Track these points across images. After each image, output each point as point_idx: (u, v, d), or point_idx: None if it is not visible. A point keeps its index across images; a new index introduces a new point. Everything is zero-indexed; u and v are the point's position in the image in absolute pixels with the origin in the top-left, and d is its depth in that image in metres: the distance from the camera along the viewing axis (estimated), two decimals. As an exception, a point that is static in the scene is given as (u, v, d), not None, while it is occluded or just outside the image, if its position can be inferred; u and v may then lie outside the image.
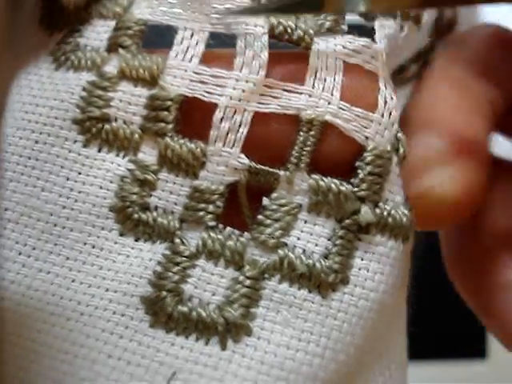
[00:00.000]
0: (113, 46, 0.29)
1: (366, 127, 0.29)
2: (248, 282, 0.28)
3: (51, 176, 0.29)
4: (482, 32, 0.35)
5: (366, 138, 0.29)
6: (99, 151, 0.29)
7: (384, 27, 0.31)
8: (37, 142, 0.29)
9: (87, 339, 0.29)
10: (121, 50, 0.29)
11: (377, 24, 0.31)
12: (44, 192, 0.29)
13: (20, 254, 0.29)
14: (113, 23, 0.30)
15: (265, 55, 0.29)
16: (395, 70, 0.40)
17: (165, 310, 0.28)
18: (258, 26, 0.29)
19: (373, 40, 0.30)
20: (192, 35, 0.29)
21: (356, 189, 0.29)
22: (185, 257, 0.28)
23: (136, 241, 0.29)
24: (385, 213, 0.29)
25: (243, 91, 0.28)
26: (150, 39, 0.30)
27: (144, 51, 0.29)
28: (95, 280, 0.29)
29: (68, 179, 0.29)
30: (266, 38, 0.29)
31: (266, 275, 0.28)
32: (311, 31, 0.29)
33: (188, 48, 0.29)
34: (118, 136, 0.29)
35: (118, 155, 0.29)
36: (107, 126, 0.29)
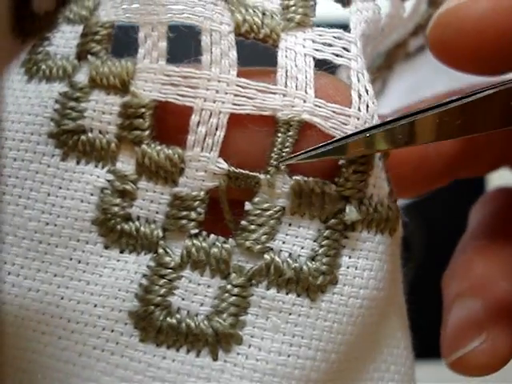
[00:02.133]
0: (82, 54, 0.29)
1: (344, 123, 0.28)
2: (235, 290, 0.28)
3: (32, 193, 0.28)
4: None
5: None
6: (78, 163, 0.28)
7: (361, 11, 0.30)
8: (15, 159, 0.28)
9: (79, 357, 0.28)
10: (90, 57, 0.28)
11: (352, 8, 0.30)
12: (26, 210, 0.28)
13: (9, 273, 0.28)
14: (80, 28, 0.29)
15: (233, 54, 0.28)
16: (396, 45, 0.39)
17: (153, 323, 0.28)
18: (223, 24, 0.28)
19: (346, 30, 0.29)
20: (152, 30, 0.28)
21: (340, 188, 0.28)
22: (170, 268, 0.28)
23: (121, 253, 0.28)
24: (370, 209, 0.29)
25: (217, 92, 0.27)
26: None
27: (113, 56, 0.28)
28: (83, 296, 0.28)
29: (49, 195, 0.28)
30: (232, 36, 0.28)
31: (254, 282, 0.28)
32: (278, 28, 0.28)
33: (153, 46, 0.28)
34: (95, 147, 0.28)
35: (96, 166, 0.28)
36: (83, 138, 0.28)
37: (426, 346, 0.34)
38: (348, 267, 0.28)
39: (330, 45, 0.29)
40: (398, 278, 0.31)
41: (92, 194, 0.28)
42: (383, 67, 0.41)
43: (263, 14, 0.28)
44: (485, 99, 0.28)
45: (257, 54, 0.28)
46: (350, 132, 0.28)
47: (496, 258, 0.36)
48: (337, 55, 0.29)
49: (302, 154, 0.27)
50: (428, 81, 0.49)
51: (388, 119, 0.28)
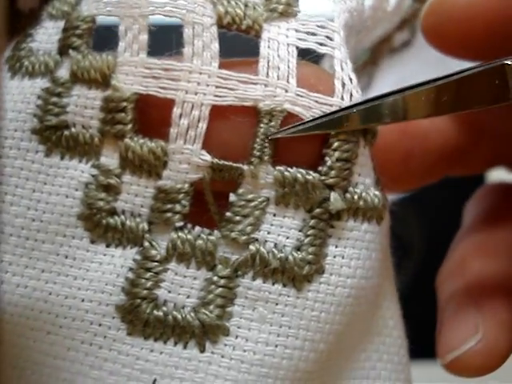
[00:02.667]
0: (64, 48, 0.28)
1: None
2: (222, 282, 0.28)
3: (18, 190, 0.28)
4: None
5: None
6: (62, 159, 0.28)
7: (344, 0, 0.30)
8: (0, 156, 0.28)
9: (68, 352, 0.28)
10: (71, 52, 0.28)
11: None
12: (12, 206, 0.28)
13: None
14: (62, 23, 0.29)
15: (215, 46, 0.28)
16: (381, 40, 0.39)
17: (140, 316, 0.28)
18: (205, 16, 0.28)
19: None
20: (133, 23, 0.28)
21: (324, 177, 0.28)
22: (156, 261, 0.28)
23: (107, 247, 0.28)
24: (355, 197, 0.28)
25: (198, 84, 0.27)
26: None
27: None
28: (71, 291, 0.28)
29: (34, 191, 0.28)
30: (214, 28, 0.28)
31: (239, 273, 0.28)
32: (261, 18, 0.28)
33: (133, 39, 0.28)
34: (79, 142, 0.28)
35: (80, 161, 0.28)
36: (66, 133, 0.28)
37: (426, 345, 0.34)
38: (335, 256, 0.28)
39: (314, 34, 0.29)
40: (387, 266, 0.31)
41: (77, 189, 0.28)
42: (368, 63, 0.41)
43: (245, 5, 0.28)
44: (473, 76, 0.28)
45: (240, 45, 0.28)
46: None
47: (491, 254, 0.36)
48: (320, 44, 0.29)
49: (291, 127, 0.27)
50: (414, 76, 0.49)
51: (378, 95, 0.28)
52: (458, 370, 0.34)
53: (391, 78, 0.48)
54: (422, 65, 0.49)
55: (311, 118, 0.28)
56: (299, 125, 0.27)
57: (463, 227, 0.40)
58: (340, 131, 0.28)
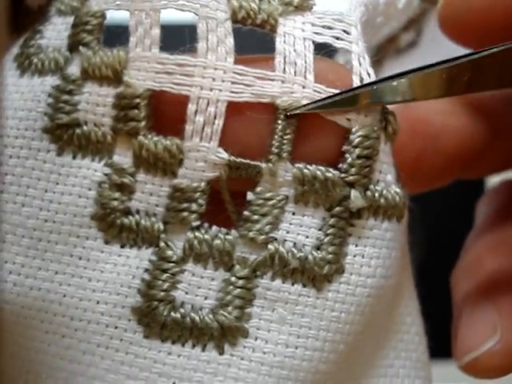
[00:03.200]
0: (73, 45, 0.28)
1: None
2: (240, 283, 0.27)
3: (29, 190, 0.28)
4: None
5: (349, 119, 0.27)
6: (74, 158, 0.28)
7: None
8: (11, 156, 0.28)
9: (84, 356, 0.28)
10: (81, 48, 0.27)
11: None
12: (25, 207, 0.28)
13: (10, 272, 0.28)
14: (72, 19, 0.28)
15: (230, 41, 0.27)
16: (387, 40, 0.38)
17: (157, 319, 0.27)
18: (219, 11, 0.27)
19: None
20: (145, 17, 0.27)
21: (344, 174, 0.27)
22: (172, 262, 0.27)
23: (122, 247, 0.28)
24: (376, 194, 0.28)
25: (213, 80, 0.27)
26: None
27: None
28: (85, 293, 0.28)
29: (46, 191, 0.28)
30: (229, 23, 0.27)
31: (258, 273, 0.27)
32: (276, 13, 0.28)
33: (145, 34, 0.27)
34: (91, 140, 0.27)
35: (93, 160, 0.28)
36: (78, 131, 0.27)
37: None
38: (355, 256, 0.28)
39: (330, 28, 0.28)
40: (405, 264, 0.30)
41: (90, 189, 0.28)
42: (373, 62, 0.41)
43: None
44: (492, 57, 0.28)
45: (255, 42, 0.28)
46: (352, 117, 0.27)
47: (506, 252, 0.36)
48: (337, 38, 0.28)
49: (311, 104, 0.27)
50: None
51: (396, 73, 0.28)
52: (477, 371, 0.33)
53: None
54: None
55: (329, 95, 0.27)
56: (317, 101, 0.27)
57: (476, 226, 0.39)
58: (357, 109, 0.27)
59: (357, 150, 0.27)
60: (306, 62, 0.27)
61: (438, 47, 0.40)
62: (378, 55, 0.41)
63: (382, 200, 0.28)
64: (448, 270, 0.37)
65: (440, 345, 0.34)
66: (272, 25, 0.28)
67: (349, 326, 0.28)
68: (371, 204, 0.28)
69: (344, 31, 0.28)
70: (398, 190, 0.28)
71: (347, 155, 0.27)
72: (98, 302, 0.28)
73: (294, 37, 0.28)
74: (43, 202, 0.28)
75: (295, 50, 0.27)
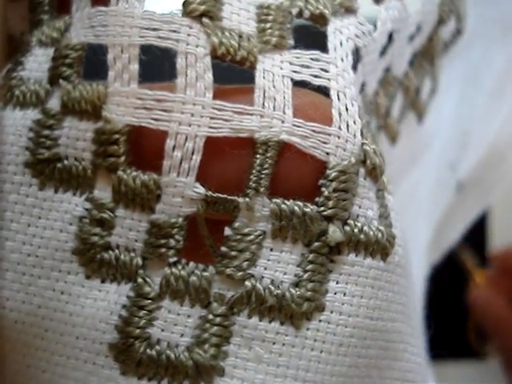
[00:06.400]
0: (54, 78, 0.28)
1: (325, 142, 0.27)
2: (217, 320, 0.27)
3: (13, 224, 0.28)
4: None
5: (327, 153, 0.27)
6: (56, 192, 0.28)
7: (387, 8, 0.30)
8: None
9: None
10: (61, 82, 0.28)
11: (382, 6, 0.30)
12: (8, 242, 0.28)
13: None
14: (52, 51, 0.28)
15: (209, 77, 0.27)
16: (427, 40, 0.38)
17: (133, 356, 0.27)
18: (199, 47, 0.27)
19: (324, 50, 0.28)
20: (122, 52, 0.27)
21: (321, 208, 0.27)
22: (149, 299, 0.27)
23: (102, 282, 0.28)
24: (355, 230, 0.27)
25: (192, 115, 0.26)
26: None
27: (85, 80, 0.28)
28: (66, 328, 0.28)
29: (29, 225, 0.28)
30: (208, 59, 0.27)
31: (235, 310, 0.27)
32: (255, 50, 0.27)
33: (123, 69, 0.27)
34: (72, 174, 0.27)
35: (74, 194, 0.28)
36: (59, 165, 0.27)
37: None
38: (335, 293, 0.27)
39: (308, 66, 0.28)
40: (407, 312, 0.29)
41: (71, 224, 0.28)
42: (424, 66, 0.40)
43: (240, 36, 0.28)
44: None
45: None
46: (330, 151, 0.27)
47: None
48: (315, 76, 0.28)
49: None
50: (485, 57, 0.47)
51: None
52: None
53: (458, 71, 0.47)
54: (489, 48, 0.47)
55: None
56: None
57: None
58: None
59: (333, 184, 0.27)
60: (284, 98, 0.27)
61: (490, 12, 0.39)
62: (425, 58, 0.40)
63: (362, 236, 0.27)
64: (449, 271, 0.36)
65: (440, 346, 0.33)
66: (251, 62, 0.27)
67: (330, 367, 0.27)
68: (350, 239, 0.27)
69: (322, 69, 0.28)
70: (380, 227, 0.28)
71: (323, 189, 0.27)
72: (77, 338, 0.27)
73: (273, 74, 0.27)
74: (26, 237, 0.28)
75: (274, 86, 0.27)
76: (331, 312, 0.27)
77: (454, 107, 0.49)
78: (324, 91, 0.28)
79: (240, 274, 0.27)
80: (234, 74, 0.28)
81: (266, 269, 0.27)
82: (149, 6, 0.27)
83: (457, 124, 0.50)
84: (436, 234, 0.52)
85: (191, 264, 0.27)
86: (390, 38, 0.33)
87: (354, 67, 0.29)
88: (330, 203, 0.27)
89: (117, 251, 0.27)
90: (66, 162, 0.27)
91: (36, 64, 0.29)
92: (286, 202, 0.27)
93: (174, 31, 0.27)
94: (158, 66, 0.27)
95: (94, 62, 0.28)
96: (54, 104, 0.28)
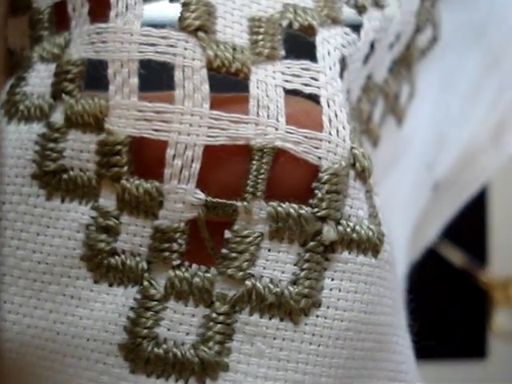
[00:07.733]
0: (57, 92, 0.29)
1: (316, 147, 0.28)
2: (220, 318, 0.28)
3: (23, 234, 0.29)
4: None
5: (319, 157, 0.28)
6: (62, 202, 0.29)
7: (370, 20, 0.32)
8: (4, 203, 0.29)
9: None
10: (64, 96, 0.29)
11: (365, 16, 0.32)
12: (19, 250, 0.29)
13: (9, 312, 0.29)
14: (53, 67, 0.30)
15: (206, 88, 0.28)
16: (405, 47, 0.39)
17: (141, 355, 0.28)
18: (195, 60, 0.28)
19: (314, 60, 0.30)
20: (122, 67, 0.28)
21: (315, 209, 0.28)
22: (155, 300, 0.28)
23: (110, 286, 0.29)
24: (348, 229, 0.29)
25: (190, 125, 0.28)
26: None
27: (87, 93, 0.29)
28: (77, 330, 0.29)
29: (38, 234, 0.29)
30: (204, 71, 0.28)
31: (237, 308, 0.28)
32: (249, 61, 0.29)
33: (123, 83, 0.28)
34: (77, 184, 0.29)
35: (80, 203, 0.29)
36: (65, 176, 0.29)
37: (424, 346, 0.34)
38: (331, 289, 0.29)
39: (299, 76, 0.29)
40: (393, 304, 0.31)
41: (78, 231, 0.29)
42: (402, 72, 0.42)
43: (234, 49, 0.29)
44: None
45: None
46: (322, 155, 0.28)
47: None
48: (305, 85, 0.29)
49: None
50: (460, 62, 0.49)
51: None
52: None
53: (436, 74, 0.48)
54: (463, 52, 0.49)
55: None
56: None
57: None
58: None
59: (326, 186, 0.28)
60: (277, 107, 0.29)
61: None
62: (403, 64, 0.42)
63: (355, 234, 0.29)
64: (446, 271, 0.37)
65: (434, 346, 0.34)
66: (245, 73, 0.29)
67: (328, 359, 0.29)
68: (343, 237, 0.29)
69: (312, 78, 0.29)
70: (371, 226, 0.29)
71: (317, 191, 0.28)
72: (88, 339, 0.29)
73: (266, 84, 0.29)
74: (36, 245, 0.29)
75: (267, 95, 0.29)
76: (327, 307, 0.29)
77: (430, 111, 0.51)
78: (314, 99, 0.29)
79: (240, 274, 0.28)
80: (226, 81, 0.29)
81: (264, 268, 0.28)
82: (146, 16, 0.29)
83: (433, 127, 0.52)
84: (414, 231, 0.54)
85: (194, 266, 0.29)
86: (372, 46, 0.34)
87: (341, 75, 0.31)
88: (324, 204, 0.28)
89: (123, 256, 0.29)
90: (71, 172, 0.29)
91: (38, 79, 0.30)
92: (281, 204, 0.28)
93: (171, 46, 0.28)
94: (155, 75, 0.29)
95: (93, 76, 0.30)
96: (57, 118, 0.29)
